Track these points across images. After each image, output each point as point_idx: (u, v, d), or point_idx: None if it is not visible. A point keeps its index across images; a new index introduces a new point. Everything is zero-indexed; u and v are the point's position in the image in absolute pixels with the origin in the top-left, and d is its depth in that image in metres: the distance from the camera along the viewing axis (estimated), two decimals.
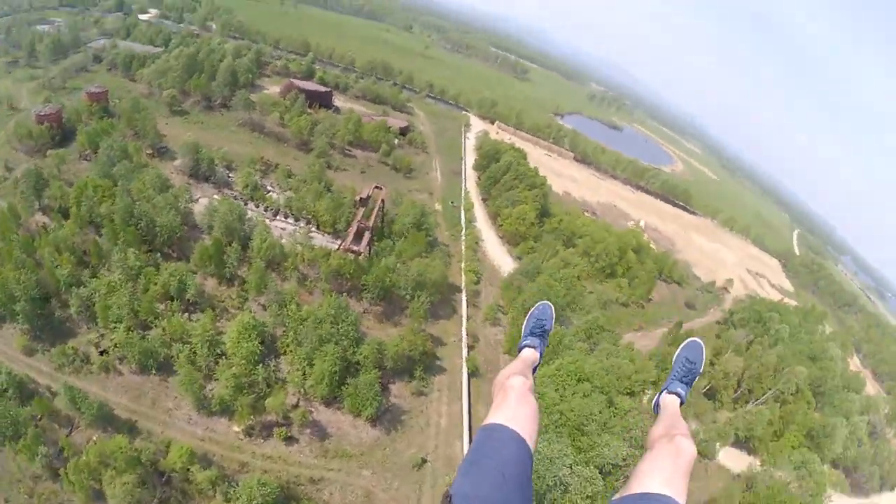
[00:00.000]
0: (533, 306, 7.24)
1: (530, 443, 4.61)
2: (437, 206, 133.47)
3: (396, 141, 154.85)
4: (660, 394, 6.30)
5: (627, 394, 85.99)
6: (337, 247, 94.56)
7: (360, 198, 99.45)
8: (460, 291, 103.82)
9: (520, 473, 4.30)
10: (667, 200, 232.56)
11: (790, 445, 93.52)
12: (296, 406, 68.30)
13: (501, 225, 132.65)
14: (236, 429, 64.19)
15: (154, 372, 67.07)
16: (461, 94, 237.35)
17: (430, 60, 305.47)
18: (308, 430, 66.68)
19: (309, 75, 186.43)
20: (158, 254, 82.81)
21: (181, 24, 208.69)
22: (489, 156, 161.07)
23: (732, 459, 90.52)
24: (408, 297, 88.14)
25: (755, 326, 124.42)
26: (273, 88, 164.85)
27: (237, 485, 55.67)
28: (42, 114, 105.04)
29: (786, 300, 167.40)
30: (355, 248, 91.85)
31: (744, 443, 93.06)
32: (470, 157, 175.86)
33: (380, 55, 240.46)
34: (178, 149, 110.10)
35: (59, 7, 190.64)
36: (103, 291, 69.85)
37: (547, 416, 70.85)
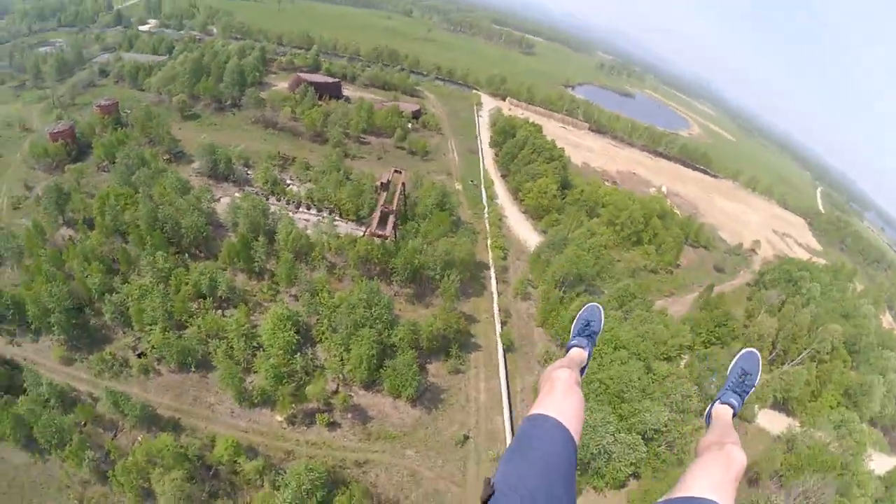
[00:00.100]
0: (582, 308, 7.19)
1: (575, 435, 4.58)
2: (458, 186, 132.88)
3: (410, 125, 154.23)
4: (712, 404, 6.25)
5: (664, 359, 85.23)
6: (363, 233, 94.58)
7: (381, 183, 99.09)
8: (488, 268, 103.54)
9: (563, 463, 4.28)
10: (686, 165, 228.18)
11: (828, 405, 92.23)
12: (336, 392, 68.75)
13: (523, 200, 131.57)
14: (279, 418, 64.87)
15: (193, 369, 68.14)
16: (469, 73, 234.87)
17: (435, 43, 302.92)
18: (350, 415, 67.20)
19: (315, 68, 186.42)
20: (186, 254, 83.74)
21: (182, 31, 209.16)
22: (504, 132, 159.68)
23: (771, 421, 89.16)
24: (437, 277, 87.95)
25: (786, 286, 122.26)
26: (281, 84, 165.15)
27: (284, 472, 56.30)
28: (55, 131, 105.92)
29: (814, 259, 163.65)
30: (381, 232, 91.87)
31: (782, 404, 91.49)
32: (485, 135, 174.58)
33: (384, 42, 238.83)
34: (194, 151, 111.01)
35: (58, 28, 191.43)
36: (136, 296, 70.78)
37: (587, 386, 70.48)
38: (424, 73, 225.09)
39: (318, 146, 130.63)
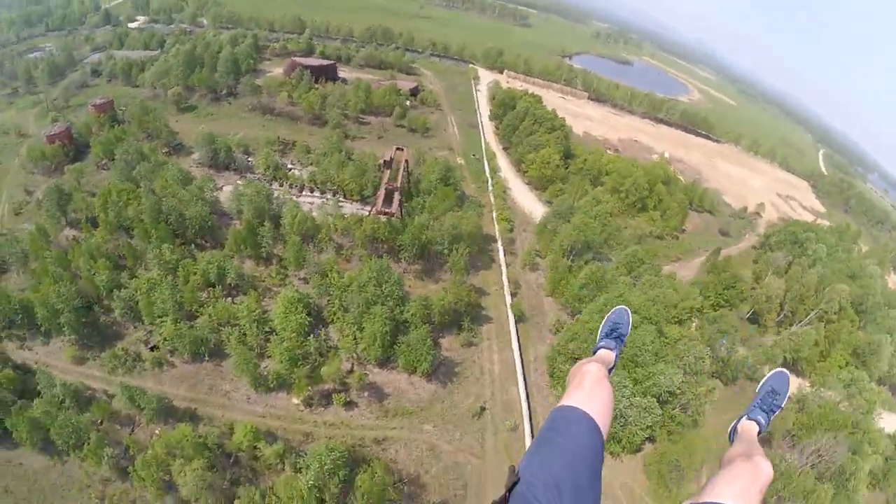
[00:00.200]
0: (610, 310, 7.25)
1: (603, 428, 4.60)
2: (460, 161, 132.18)
3: (408, 102, 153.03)
4: (738, 420, 6.26)
5: (675, 322, 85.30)
6: (369, 212, 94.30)
7: (384, 161, 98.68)
8: (496, 241, 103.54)
9: (590, 454, 4.28)
10: (688, 130, 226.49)
11: (837, 365, 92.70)
12: (351, 371, 69.17)
13: (527, 171, 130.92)
14: (296, 401, 65.24)
15: (207, 358, 68.34)
16: (465, 48, 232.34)
17: (429, 20, 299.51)
18: (366, 393, 67.61)
19: (309, 52, 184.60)
20: (192, 245, 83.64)
21: (172, 25, 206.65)
22: (504, 104, 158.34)
23: None
24: (445, 251, 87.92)
25: (792, 248, 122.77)
26: (276, 70, 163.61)
27: (305, 454, 56.38)
28: (52, 134, 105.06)
29: (819, 221, 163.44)
30: (387, 210, 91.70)
31: (791, 365, 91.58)
32: (484, 109, 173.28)
33: (377, 21, 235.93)
34: (193, 142, 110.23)
35: (46, 33, 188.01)
36: (144, 289, 70.29)
37: None
38: (420, 50, 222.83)
39: (318, 129, 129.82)
